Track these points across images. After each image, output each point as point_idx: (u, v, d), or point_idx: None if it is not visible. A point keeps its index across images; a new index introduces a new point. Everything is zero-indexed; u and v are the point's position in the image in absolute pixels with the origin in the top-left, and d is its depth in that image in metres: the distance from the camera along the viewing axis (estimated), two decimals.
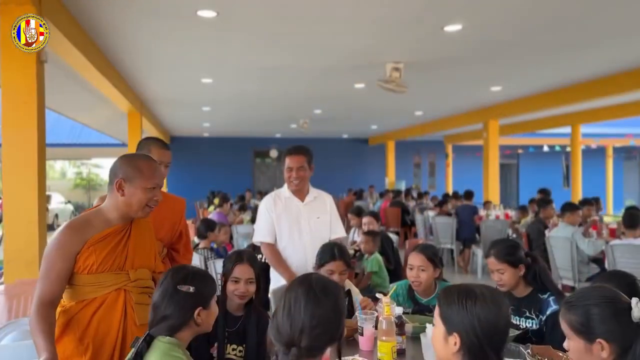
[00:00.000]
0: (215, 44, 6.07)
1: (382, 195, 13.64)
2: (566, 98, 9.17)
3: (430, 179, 20.78)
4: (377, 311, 2.46)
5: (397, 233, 10.00)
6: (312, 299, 1.49)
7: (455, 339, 1.44)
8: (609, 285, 1.98)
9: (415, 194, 14.23)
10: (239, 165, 18.73)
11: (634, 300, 1.44)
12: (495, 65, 7.39)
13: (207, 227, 4.98)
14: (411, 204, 12.30)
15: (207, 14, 4.89)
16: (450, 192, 13.54)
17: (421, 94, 9.79)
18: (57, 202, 17.99)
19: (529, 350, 2.17)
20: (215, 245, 5.25)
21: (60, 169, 34.85)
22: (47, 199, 17.06)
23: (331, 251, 2.79)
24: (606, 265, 5.06)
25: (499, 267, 2.60)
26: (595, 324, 1.49)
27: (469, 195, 9.35)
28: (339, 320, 1.54)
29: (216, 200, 9.05)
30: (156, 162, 2.20)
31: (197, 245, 4.93)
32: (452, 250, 8.60)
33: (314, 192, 3.42)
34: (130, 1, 4.57)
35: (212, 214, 8.47)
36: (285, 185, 3.42)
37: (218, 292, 2.08)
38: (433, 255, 2.78)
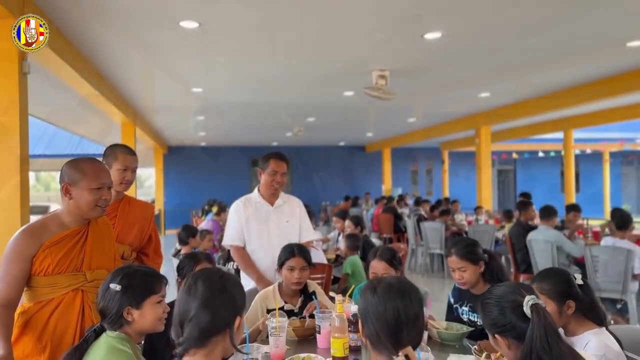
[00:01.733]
0: (201, 54, 6.17)
1: (377, 201, 13.70)
2: (556, 103, 9.22)
3: (427, 186, 20.84)
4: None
5: (390, 239, 10.04)
6: (187, 289, 1.56)
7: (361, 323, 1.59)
8: (546, 282, 2.06)
9: (411, 201, 14.27)
10: (236, 174, 18.77)
11: (527, 298, 1.54)
12: (480, 72, 7.47)
13: (188, 233, 5.04)
14: (405, 210, 12.34)
15: (190, 24, 5.00)
16: (446, 198, 13.60)
17: (411, 101, 9.88)
18: None
19: (475, 347, 2.24)
20: None
21: None
22: (46, 210, 17.23)
23: (290, 249, 2.89)
24: (586, 267, 5.11)
25: (460, 265, 2.68)
26: (489, 321, 1.61)
27: (445, 211, 9.41)
28: (219, 306, 1.52)
29: (214, 209, 9.11)
30: (101, 162, 2.28)
31: (179, 251, 4.99)
32: (442, 255, 8.63)
33: (283, 197, 3.53)
34: (112, 13, 4.67)
35: (205, 221, 8.53)
36: (256, 190, 3.51)
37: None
38: (392, 258, 2.86)
